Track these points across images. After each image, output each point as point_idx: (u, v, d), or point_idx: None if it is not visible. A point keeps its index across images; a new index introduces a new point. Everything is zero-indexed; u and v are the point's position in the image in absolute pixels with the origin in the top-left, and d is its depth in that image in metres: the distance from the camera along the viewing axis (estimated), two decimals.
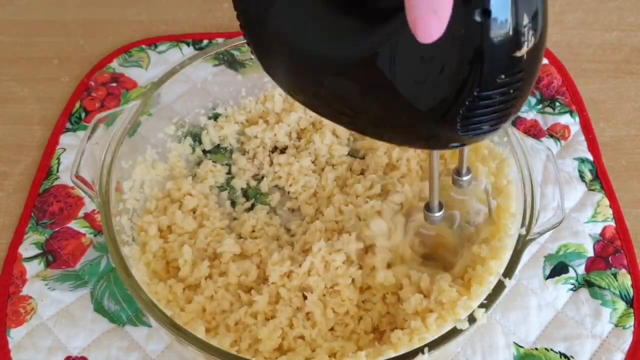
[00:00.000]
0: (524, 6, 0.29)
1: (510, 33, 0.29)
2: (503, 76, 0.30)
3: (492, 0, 0.28)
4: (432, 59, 0.30)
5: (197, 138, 0.63)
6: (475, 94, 0.30)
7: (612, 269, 0.56)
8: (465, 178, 0.47)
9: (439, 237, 0.52)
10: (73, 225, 0.60)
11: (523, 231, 0.46)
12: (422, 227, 0.51)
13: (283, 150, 0.63)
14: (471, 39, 0.29)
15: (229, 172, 0.62)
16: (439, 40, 0.28)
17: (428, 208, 0.46)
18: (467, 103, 0.30)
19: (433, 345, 0.42)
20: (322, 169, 0.60)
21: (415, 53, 0.30)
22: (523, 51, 0.29)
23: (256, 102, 0.64)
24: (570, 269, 0.56)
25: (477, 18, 0.28)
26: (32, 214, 0.60)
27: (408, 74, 0.32)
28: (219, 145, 0.64)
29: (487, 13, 0.28)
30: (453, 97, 0.31)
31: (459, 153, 0.45)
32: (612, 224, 0.59)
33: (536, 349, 0.52)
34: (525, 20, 0.29)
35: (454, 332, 0.42)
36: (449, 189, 0.50)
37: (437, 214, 0.46)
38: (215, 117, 0.64)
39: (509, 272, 0.44)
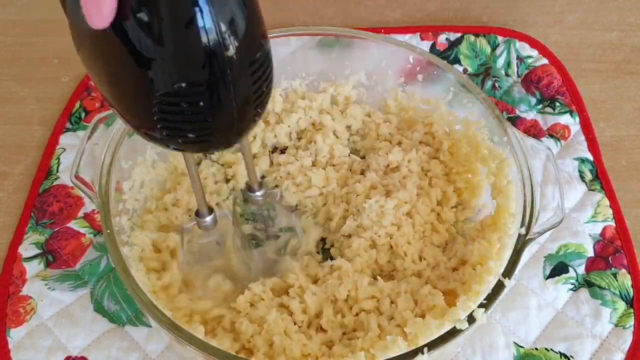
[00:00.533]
0: (219, 14, 0.29)
1: (178, 43, 0.29)
2: (183, 85, 0.30)
3: (147, 5, 0.28)
4: (113, 52, 0.30)
5: None
6: (159, 94, 0.30)
7: (612, 269, 0.56)
8: (258, 193, 0.47)
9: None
10: (73, 225, 0.60)
11: (523, 231, 0.46)
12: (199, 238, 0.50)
13: (283, 151, 0.63)
14: (139, 40, 0.29)
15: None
16: (106, 32, 0.28)
17: (198, 214, 0.45)
18: (155, 104, 0.31)
19: (432, 345, 0.42)
20: (323, 169, 0.60)
21: (102, 42, 0.30)
22: (199, 61, 0.29)
23: None
24: (570, 269, 0.56)
25: (141, 17, 0.28)
26: (32, 214, 0.60)
27: (106, 62, 0.31)
28: None
29: (142, 16, 0.28)
30: (141, 97, 0.31)
31: (246, 170, 0.46)
32: (612, 224, 0.59)
33: (536, 348, 0.52)
34: (213, 27, 0.29)
35: (453, 332, 0.42)
36: None
37: (208, 219, 0.45)
38: None
39: (508, 272, 0.44)
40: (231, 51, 0.30)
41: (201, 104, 0.31)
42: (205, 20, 0.28)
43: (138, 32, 0.29)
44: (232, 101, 0.31)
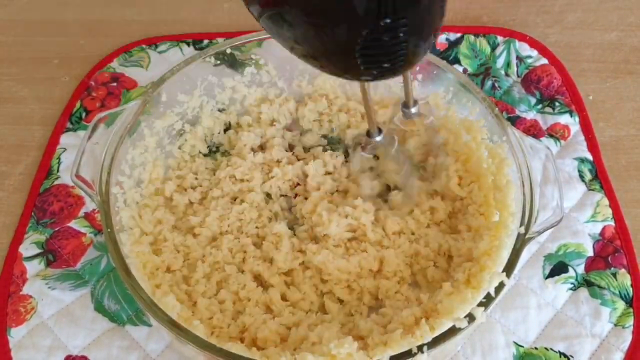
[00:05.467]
0: None
1: None
2: (388, 20, 0.32)
3: None
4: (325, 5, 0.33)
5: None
6: (364, 34, 0.33)
7: (612, 268, 0.56)
8: (412, 110, 0.52)
9: (383, 161, 0.57)
10: (73, 224, 0.60)
11: (522, 230, 0.46)
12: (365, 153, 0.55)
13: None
14: None
15: None
16: None
17: (368, 134, 0.51)
18: (359, 42, 0.34)
19: (432, 344, 0.42)
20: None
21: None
22: None
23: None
24: (570, 269, 0.56)
25: None
26: (33, 213, 0.60)
27: (315, 14, 0.34)
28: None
29: None
30: (348, 36, 0.34)
31: (404, 88, 0.50)
32: (612, 223, 0.59)
33: (536, 348, 0.52)
34: None
35: (453, 331, 0.42)
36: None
37: (378, 138, 0.51)
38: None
39: (507, 271, 0.45)
40: None
41: (401, 35, 0.34)
42: None
43: None
44: (429, 28, 0.35)
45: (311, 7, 0.34)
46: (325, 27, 0.34)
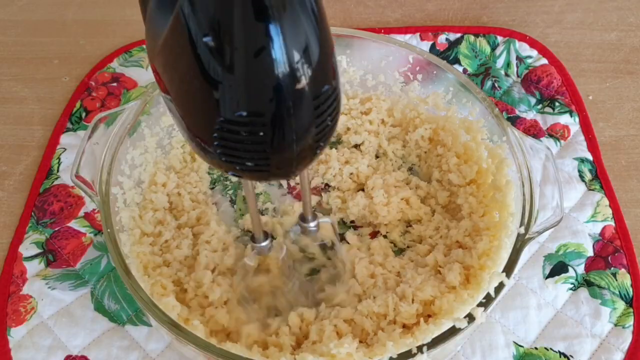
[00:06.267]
0: (292, 47, 0.28)
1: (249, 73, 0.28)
2: (244, 113, 0.29)
3: (215, 30, 0.27)
4: (184, 78, 0.30)
5: None
6: (220, 120, 0.30)
7: (612, 268, 0.56)
8: (311, 224, 0.46)
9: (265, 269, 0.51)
10: (73, 224, 0.60)
11: (522, 230, 0.46)
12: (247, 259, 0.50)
13: None
14: (207, 62, 0.28)
15: None
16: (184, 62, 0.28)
17: (253, 238, 0.46)
18: (216, 128, 0.30)
19: (432, 344, 0.42)
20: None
21: (175, 64, 0.30)
22: (266, 96, 0.29)
23: None
24: (570, 269, 0.56)
25: (208, 41, 0.28)
26: (33, 213, 0.60)
27: (176, 87, 0.31)
28: None
29: (209, 41, 0.27)
30: (204, 119, 0.31)
31: (302, 200, 0.45)
32: (612, 223, 0.59)
33: (536, 348, 0.52)
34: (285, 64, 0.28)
35: (452, 331, 0.42)
36: None
37: (264, 244, 0.45)
38: None
39: (508, 270, 0.45)
40: (296, 85, 0.29)
41: (261, 134, 0.30)
42: (275, 51, 0.27)
43: (207, 55, 0.28)
44: (293, 134, 0.31)
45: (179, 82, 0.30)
46: (186, 91, 0.31)
